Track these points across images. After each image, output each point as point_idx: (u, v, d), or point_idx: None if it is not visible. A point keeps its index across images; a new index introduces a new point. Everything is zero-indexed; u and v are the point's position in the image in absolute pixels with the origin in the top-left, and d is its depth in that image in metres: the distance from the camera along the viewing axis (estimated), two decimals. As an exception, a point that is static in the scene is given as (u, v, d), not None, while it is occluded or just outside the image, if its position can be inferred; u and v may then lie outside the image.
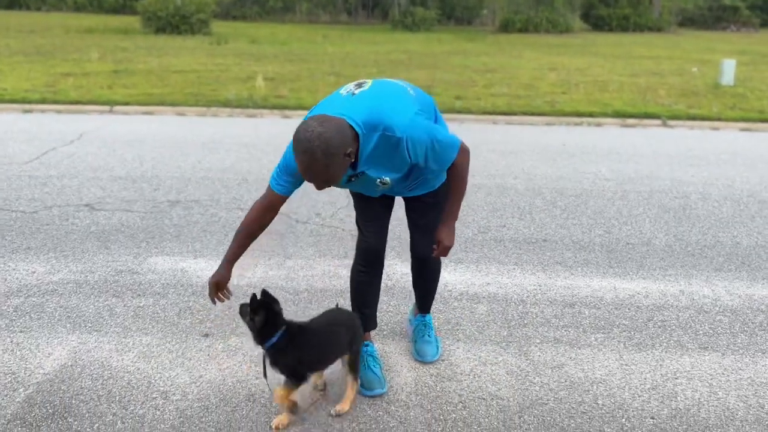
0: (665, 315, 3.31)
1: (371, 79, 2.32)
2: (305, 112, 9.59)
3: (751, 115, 9.25)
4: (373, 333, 2.87)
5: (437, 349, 2.90)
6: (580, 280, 3.70)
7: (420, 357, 2.84)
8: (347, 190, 2.61)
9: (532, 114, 9.23)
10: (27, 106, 9.15)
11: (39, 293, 3.38)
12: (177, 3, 22.93)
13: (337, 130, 2.07)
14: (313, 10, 37.13)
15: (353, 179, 2.33)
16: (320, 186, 2.17)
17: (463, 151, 2.34)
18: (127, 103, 9.38)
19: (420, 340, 2.89)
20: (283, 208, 2.45)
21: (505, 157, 6.60)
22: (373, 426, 2.39)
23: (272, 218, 2.40)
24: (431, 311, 3.03)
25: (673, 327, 3.19)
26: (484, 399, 2.58)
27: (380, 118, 2.16)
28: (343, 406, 2.44)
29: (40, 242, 4.07)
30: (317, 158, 2.04)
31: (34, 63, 13.37)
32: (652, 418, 2.48)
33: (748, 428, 2.42)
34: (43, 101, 9.41)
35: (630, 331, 3.14)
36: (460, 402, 2.56)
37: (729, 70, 12.19)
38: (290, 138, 2.12)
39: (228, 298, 2.46)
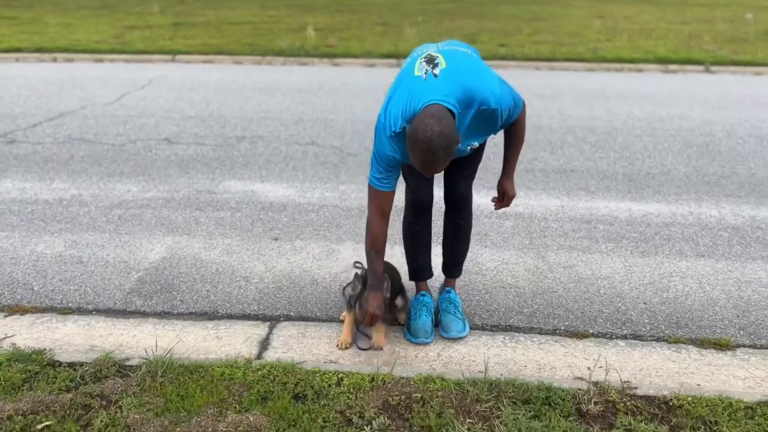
0: (672, 230, 3.75)
1: (439, 52, 2.29)
2: (353, 60, 10.14)
3: (798, 61, 9.24)
4: (430, 282, 2.93)
5: (464, 325, 2.72)
6: (600, 203, 4.16)
7: (445, 332, 2.68)
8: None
9: (574, 60, 9.45)
10: (98, 56, 9.90)
11: (136, 206, 4.05)
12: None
13: (451, 124, 2.10)
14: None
15: None
16: (433, 174, 2.24)
17: (524, 107, 2.45)
18: (188, 53, 10.02)
19: (445, 314, 2.74)
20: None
21: (543, 100, 6.97)
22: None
23: (388, 221, 2.43)
24: (458, 291, 2.92)
25: (677, 239, 3.64)
26: (503, 288, 3.12)
27: (473, 95, 2.20)
28: (380, 341, 2.60)
29: (131, 168, 4.76)
30: (439, 155, 2.07)
31: (101, 17, 14.13)
32: (644, 303, 2.98)
33: (724, 312, 2.90)
34: (112, 51, 10.15)
35: (637, 242, 3.61)
36: (484, 289, 3.11)
37: (782, 15, 11.97)
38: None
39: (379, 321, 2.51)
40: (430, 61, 2.26)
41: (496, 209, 2.66)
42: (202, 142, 5.35)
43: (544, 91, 7.44)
